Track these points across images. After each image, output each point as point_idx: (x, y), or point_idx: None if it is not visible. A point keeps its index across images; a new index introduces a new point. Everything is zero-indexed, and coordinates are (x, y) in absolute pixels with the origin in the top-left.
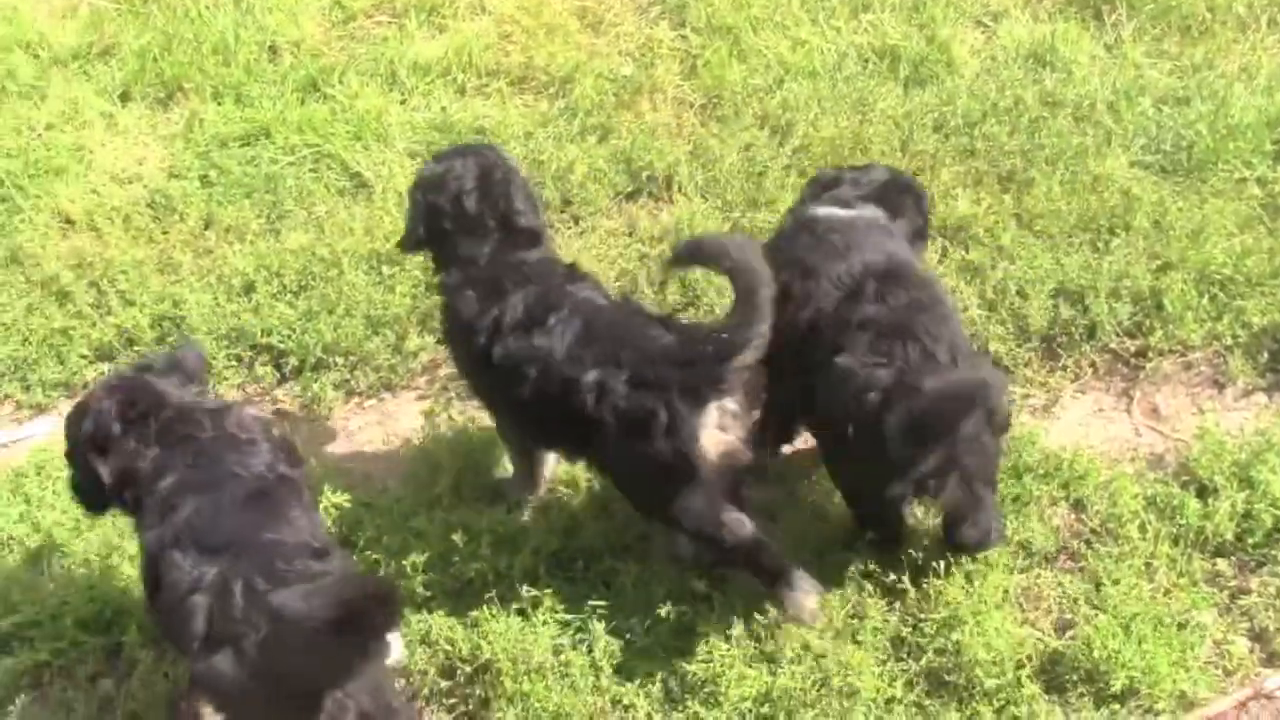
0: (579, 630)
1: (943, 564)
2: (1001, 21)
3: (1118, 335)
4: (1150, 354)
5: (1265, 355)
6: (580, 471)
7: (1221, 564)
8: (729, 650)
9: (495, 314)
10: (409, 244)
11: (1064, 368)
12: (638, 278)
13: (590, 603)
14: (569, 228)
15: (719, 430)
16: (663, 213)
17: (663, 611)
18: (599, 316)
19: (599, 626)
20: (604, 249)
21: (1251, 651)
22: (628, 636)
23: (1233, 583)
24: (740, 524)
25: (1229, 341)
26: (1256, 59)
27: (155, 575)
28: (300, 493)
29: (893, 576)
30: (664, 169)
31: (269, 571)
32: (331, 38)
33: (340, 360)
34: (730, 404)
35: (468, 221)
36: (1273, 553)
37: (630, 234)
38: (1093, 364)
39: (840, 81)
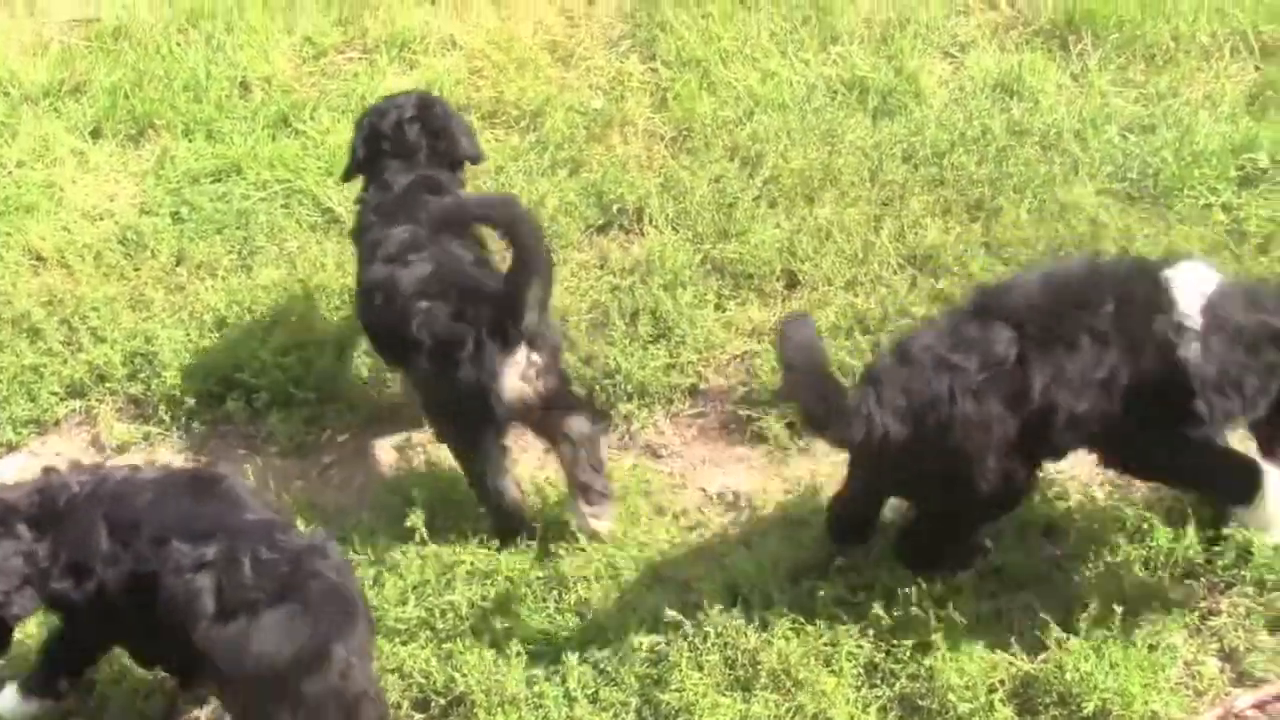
0: (553, 661)
1: (914, 590)
2: (969, 52)
3: None
4: None
5: None
6: (552, 502)
7: (1192, 585)
8: (702, 678)
9: (379, 239)
10: (349, 170)
11: None
12: (609, 310)
13: (564, 633)
14: None
15: (520, 378)
16: (634, 245)
17: (636, 641)
18: (449, 263)
19: (573, 657)
20: (575, 282)
21: (1222, 671)
22: (601, 667)
23: (1203, 604)
24: (514, 498)
25: None
26: (1220, 87)
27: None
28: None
29: (866, 602)
30: (635, 201)
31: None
32: (303, 74)
33: (312, 395)
34: (537, 357)
35: (404, 147)
36: (1241, 574)
37: (602, 266)
38: None
39: (809, 113)
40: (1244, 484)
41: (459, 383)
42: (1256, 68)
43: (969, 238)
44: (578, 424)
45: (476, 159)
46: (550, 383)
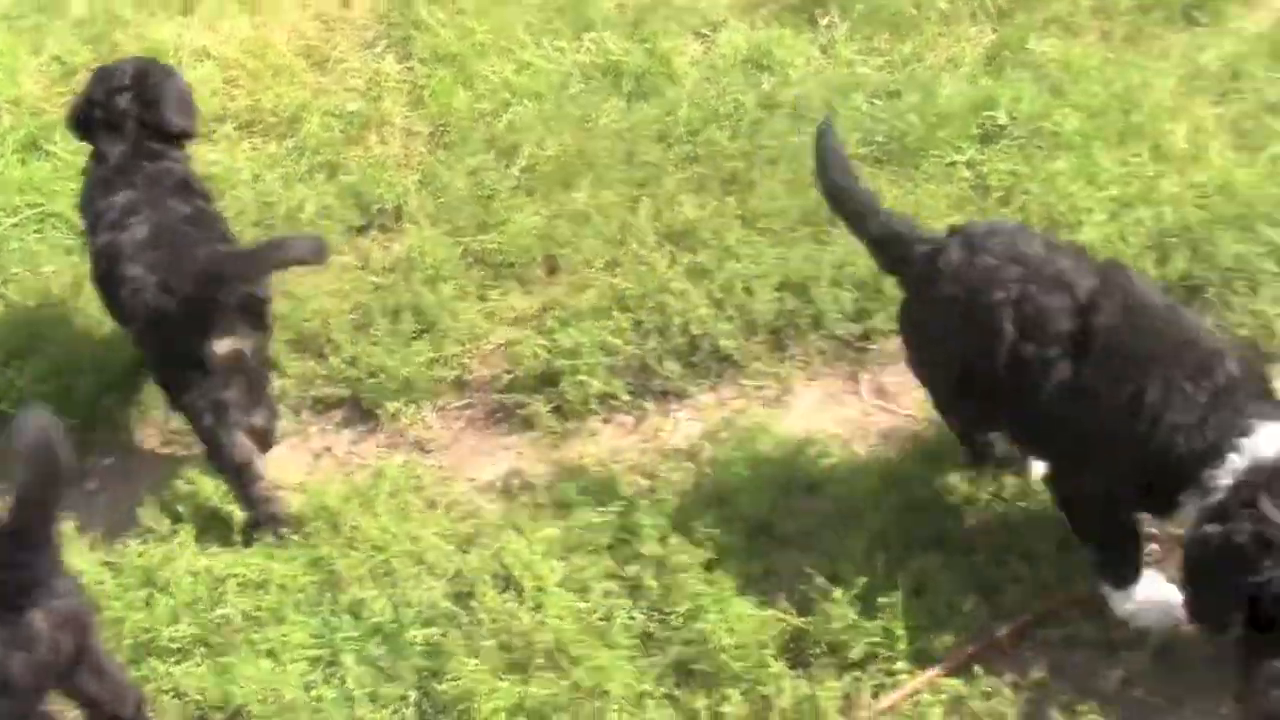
0: (330, 664)
1: (683, 558)
2: (720, 31)
3: (842, 322)
4: (874, 336)
5: None
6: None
7: (950, 526)
8: (479, 665)
9: (103, 209)
10: (72, 126)
11: (792, 357)
12: (371, 309)
13: (340, 635)
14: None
15: (228, 339)
16: (394, 243)
17: (411, 635)
18: (165, 223)
19: (350, 658)
20: (339, 285)
21: (981, 605)
22: (379, 664)
23: (962, 543)
24: (245, 450)
25: None
26: (961, 50)
27: None
28: None
29: (637, 574)
30: (394, 200)
31: None
32: (52, 94)
33: (76, 421)
34: (245, 325)
35: (115, 117)
36: (998, 510)
37: (364, 267)
38: (821, 351)
39: (565, 100)
40: (1123, 571)
41: (173, 348)
42: (994, 30)
43: (725, 211)
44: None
45: (186, 133)
46: (262, 341)
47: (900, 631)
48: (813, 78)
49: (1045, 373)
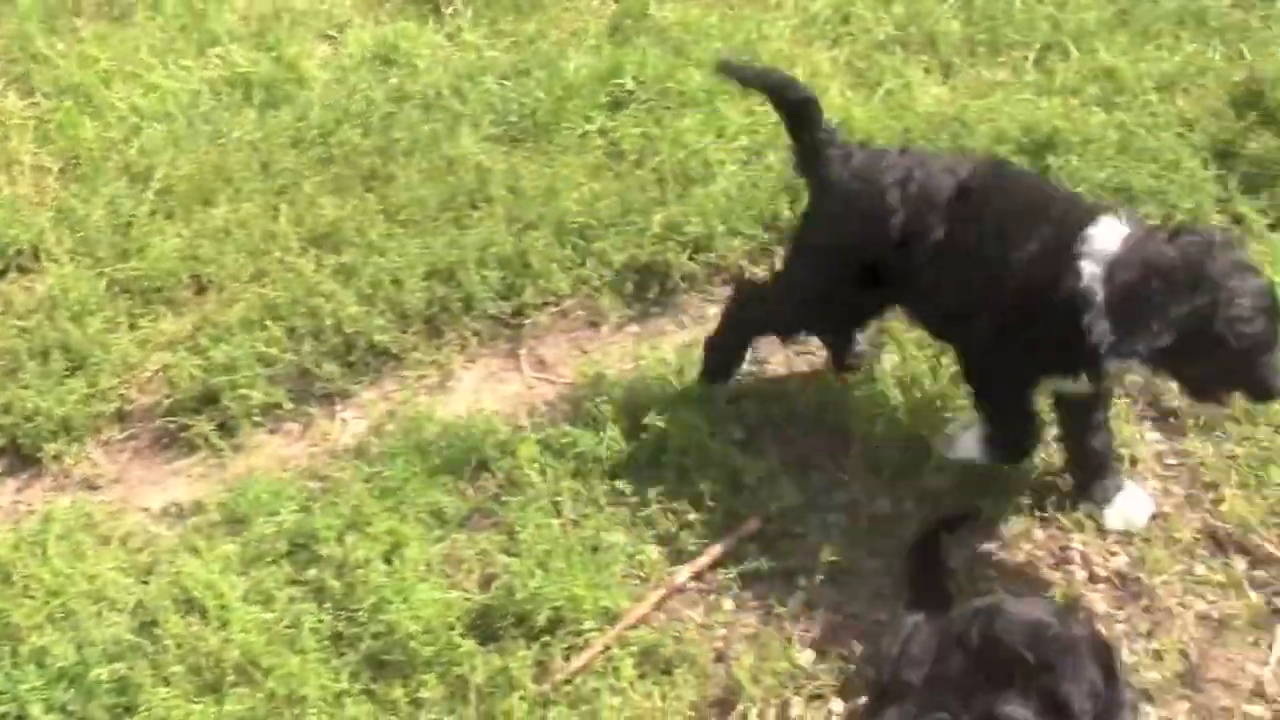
0: (17, 718)
1: (362, 553)
2: (346, 31)
3: (494, 301)
4: (528, 311)
5: (630, 287)
6: None
7: (620, 484)
8: (170, 692)
9: None
10: None
11: (449, 343)
12: (19, 353)
13: (24, 686)
14: None
15: None
16: (36, 284)
17: (97, 674)
18: None
19: (36, 708)
20: None
21: (659, 554)
22: (68, 709)
23: (633, 498)
24: None
25: (596, 283)
26: (585, 23)
27: None
28: None
29: (318, 577)
30: (30, 240)
31: None
32: None
33: None
34: None
35: None
36: (662, 459)
37: (5, 312)
38: (476, 333)
39: (196, 118)
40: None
41: None
42: (615, 1)
43: (366, 208)
44: None
45: None
46: None
47: (583, 592)
48: (440, 66)
49: (929, 240)
